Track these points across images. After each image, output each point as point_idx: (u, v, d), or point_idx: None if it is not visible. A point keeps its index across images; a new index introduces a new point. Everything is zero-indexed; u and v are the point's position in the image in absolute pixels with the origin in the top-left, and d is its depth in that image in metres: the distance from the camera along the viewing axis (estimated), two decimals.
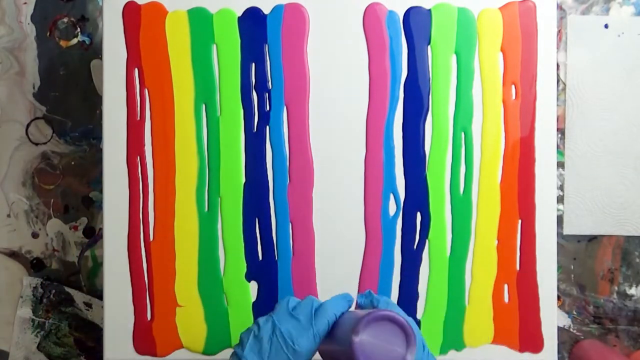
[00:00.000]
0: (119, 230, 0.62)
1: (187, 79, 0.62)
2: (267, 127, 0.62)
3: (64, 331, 0.69)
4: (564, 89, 0.68)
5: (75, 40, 0.69)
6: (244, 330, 0.48)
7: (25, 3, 0.69)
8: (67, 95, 0.69)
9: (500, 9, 0.62)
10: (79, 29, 0.69)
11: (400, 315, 0.44)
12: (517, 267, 0.62)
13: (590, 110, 0.68)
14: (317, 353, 0.48)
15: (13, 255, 0.69)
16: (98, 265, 0.69)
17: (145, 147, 0.62)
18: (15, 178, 0.69)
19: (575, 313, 0.68)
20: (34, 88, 0.69)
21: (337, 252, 0.62)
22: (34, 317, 0.69)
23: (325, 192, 0.62)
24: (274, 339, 0.45)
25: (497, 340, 0.62)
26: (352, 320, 0.44)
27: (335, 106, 0.62)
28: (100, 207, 0.68)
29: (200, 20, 0.62)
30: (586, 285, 0.68)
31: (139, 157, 0.62)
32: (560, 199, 0.67)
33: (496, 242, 0.62)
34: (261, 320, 0.47)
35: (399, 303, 0.62)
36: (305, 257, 0.62)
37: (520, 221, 0.62)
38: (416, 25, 0.62)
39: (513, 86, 0.62)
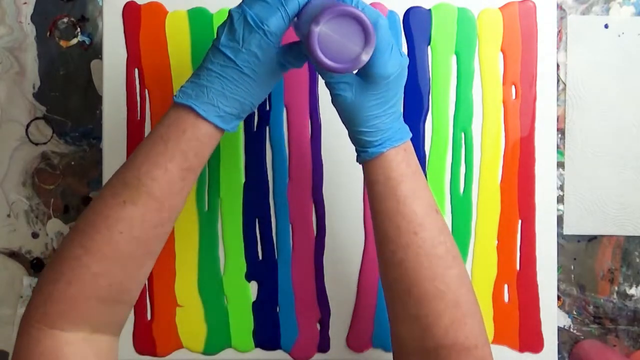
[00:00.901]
0: None
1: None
2: (267, 127, 0.62)
3: None
4: (564, 89, 0.68)
5: (75, 40, 0.69)
6: (219, 24, 0.48)
7: (25, 3, 0.69)
8: (67, 95, 0.69)
9: (500, 9, 0.62)
10: (79, 29, 0.69)
11: (367, 13, 0.43)
12: (517, 267, 0.62)
13: (590, 110, 0.68)
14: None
15: (13, 255, 0.69)
16: None
17: None
18: (15, 178, 0.69)
19: (575, 313, 0.68)
20: (34, 88, 0.69)
21: (337, 252, 0.62)
22: None
23: (325, 192, 0.62)
24: (244, 22, 0.46)
25: (497, 340, 0.62)
26: (319, 8, 0.44)
27: None
28: None
29: (200, 20, 0.62)
30: (586, 285, 0.68)
31: None
32: (560, 199, 0.67)
33: (496, 242, 0.62)
34: (233, 9, 0.47)
35: None
36: (305, 257, 0.62)
37: (520, 221, 0.62)
38: (416, 25, 0.62)
39: (513, 86, 0.62)
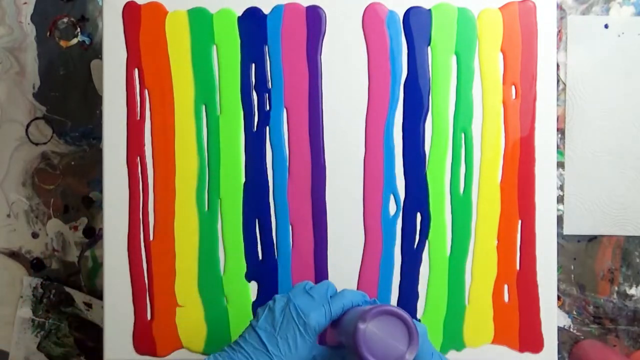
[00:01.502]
0: (119, 230, 0.62)
1: (187, 79, 0.62)
2: (267, 127, 0.62)
3: (64, 331, 0.69)
4: (564, 89, 0.68)
5: (75, 40, 0.69)
6: (261, 306, 0.50)
7: (25, 3, 0.69)
8: (67, 95, 0.69)
9: (500, 9, 0.62)
10: (79, 29, 0.69)
11: (409, 317, 0.45)
12: (517, 267, 0.62)
13: (590, 110, 0.68)
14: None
15: (13, 255, 0.69)
16: (98, 265, 0.69)
17: (145, 147, 0.62)
18: (15, 178, 0.69)
19: (575, 313, 0.68)
20: (34, 88, 0.69)
21: (337, 252, 0.62)
22: (34, 317, 0.69)
23: (325, 192, 0.62)
24: (286, 311, 0.47)
25: (497, 340, 0.62)
26: (361, 311, 0.45)
27: (335, 106, 0.62)
28: (100, 207, 0.68)
29: (200, 20, 0.62)
30: (586, 285, 0.68)
31: (139, 157, 0.62)
32: (560, 199, 0.67)
33: (496, 242, 0.62)
34: (277, 296, 0.49)
35: (399, 303, 0.62)
36: (305, 257, 0.62)
37: (520, 221, 0.62)
38: (416, 25, 0.62)
39: (513, 86, 0.62)
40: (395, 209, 0.62)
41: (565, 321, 0.68)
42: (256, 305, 0.62)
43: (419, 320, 0.62)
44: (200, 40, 0.62)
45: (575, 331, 0.68)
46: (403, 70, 0.62)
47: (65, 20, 0.69)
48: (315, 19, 0.62)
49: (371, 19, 0.62)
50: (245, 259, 0.62)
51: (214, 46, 0.62)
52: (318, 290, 0.48)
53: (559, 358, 0.66)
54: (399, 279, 0.62)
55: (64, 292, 0.69)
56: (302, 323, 0.46)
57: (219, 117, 0.62)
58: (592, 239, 0.68)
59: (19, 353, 0.69)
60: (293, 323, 0.47)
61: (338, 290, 0.50)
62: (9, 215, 0.69)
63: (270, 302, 0.49)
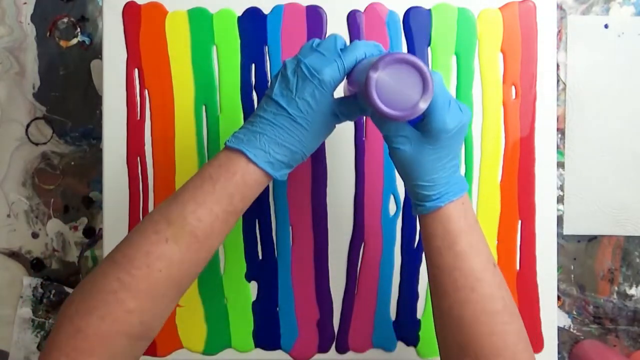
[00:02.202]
0: (119, 230, 0.62)
1: (187, 79, 0.62)
2: None
3: None
4: (564, 89, 0.68)
5: (75, 40, 0.69)
6: (274, 74, 0.48)
7: (25, 3, 0.69)
8: (67, 95, 0.69)
9: (500, 9, 0.62)
10: (79, 29, 0.69)
11: (421, 62, 0.43)
12: (517, 267, 0.62)
13: (590, 110, 0.68)
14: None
15: (13, 255, 0.69)
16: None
17: (145, 147, 0.62)
18: (15, 178, 0.69)
19: (575, 313, 0.68)
20: (34, 88, 0.69)
21: (337, 252, 0.62)
22: (34, 317, 0.69)
23: (325, 192, 0.62)
24: (299, 72, 0.46)
25: None
26: (374, 59, 0.43)
27: None
28: (100, 207, 0.68)
29: (200, 20, 0.62)
30: (586, 285, 0.68)
31: (139, 157, 0.62)
32: (560, 199, 0.67)
33: (496, 242, 0.62)
34: (287, 60, 0.47)
35: (399, 303, 0.62)
36: (305, 257, 0.62)
37: (520, 221, 0.62)
38: (416, 25, 0.62)
39: (513, 86, 0.62)
40: (395, 209, 0.62)
41: (565, 321, 0.68)
42: (256, 305, 0.62)
43: (417, 320, 0.62)
44: (200, 40, 0.62)
45: (575, 331, 0.68)
46: None
47: (65, 20, 0.69)
48: (315, 19, 0.62)
49: (371, 19, 0.62)
50: (245, 259, 0.62)
51: (214, 46, 0.62)
52: (326, 46, 0.46)
53: (559, 358, 0.66)
54: (399, 279, 0.62)
55: (64, 292, 0.69)
56: (316, 80, 0.45)
57: (219, 116, 0.62)
58: (592, 239, 0.68)
59: (19, 353, 0.69)
60: (308, 82, 0.45)
61: (348, 44, 0.48)
62: (9, 215, 0.69)
63: (282, 68, 0.47)
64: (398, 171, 0.48)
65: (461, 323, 0.46)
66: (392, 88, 0.42)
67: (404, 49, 0.62)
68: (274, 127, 0.46)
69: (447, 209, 0.47)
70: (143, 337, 0.45)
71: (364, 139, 0.62)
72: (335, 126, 0.48)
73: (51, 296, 0.69)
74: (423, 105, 0.42)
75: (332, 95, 0.46)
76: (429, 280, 0.49)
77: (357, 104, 0.48)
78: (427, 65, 0.43)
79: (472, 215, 0.48)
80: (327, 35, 0.48)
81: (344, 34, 0.62)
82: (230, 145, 0.46)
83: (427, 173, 0.46)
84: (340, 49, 0.46)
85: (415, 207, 0.48)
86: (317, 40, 0.47)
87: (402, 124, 0.46)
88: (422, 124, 0.46)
